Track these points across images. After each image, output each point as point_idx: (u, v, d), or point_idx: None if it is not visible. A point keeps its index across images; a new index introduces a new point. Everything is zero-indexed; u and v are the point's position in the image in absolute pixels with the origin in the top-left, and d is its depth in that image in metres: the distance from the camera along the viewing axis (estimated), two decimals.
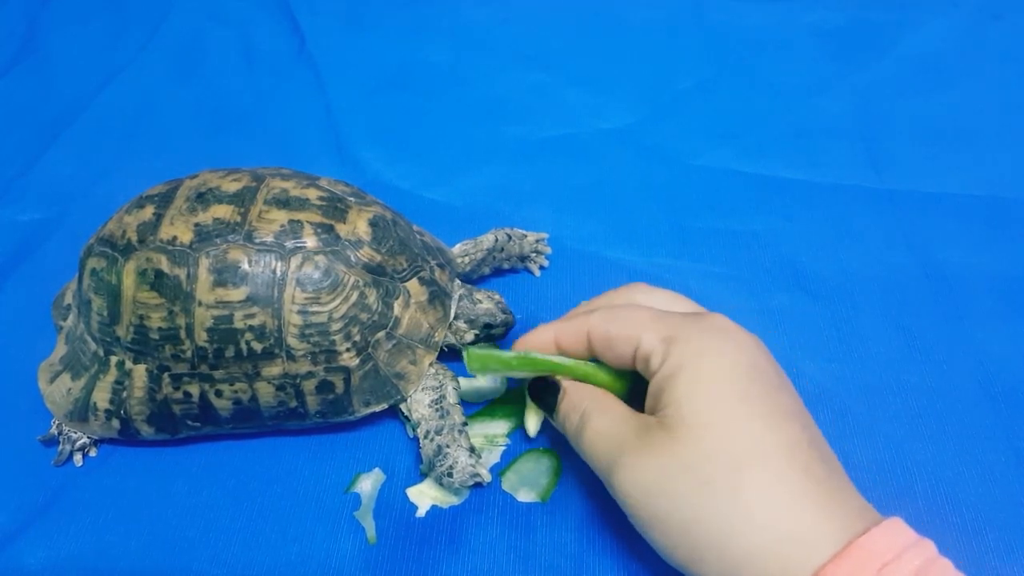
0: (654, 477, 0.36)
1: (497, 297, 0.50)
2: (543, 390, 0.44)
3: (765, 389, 0.37)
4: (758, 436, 0.35)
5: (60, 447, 0.48)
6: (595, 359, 0.43)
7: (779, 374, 0.39)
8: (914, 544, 0.33)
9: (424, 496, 0.46)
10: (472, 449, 0.45)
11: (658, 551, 0.37)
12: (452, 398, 0.46)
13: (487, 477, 0.44)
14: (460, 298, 0.50)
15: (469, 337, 0.50)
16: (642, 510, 0.36)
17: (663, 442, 0.36)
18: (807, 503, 0.34)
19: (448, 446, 0.44)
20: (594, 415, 0.40)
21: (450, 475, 0.44)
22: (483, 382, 0.51)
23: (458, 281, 0.51)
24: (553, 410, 0.43)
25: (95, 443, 0.49)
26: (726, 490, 0.34)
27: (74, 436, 0.48)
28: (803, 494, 0.34)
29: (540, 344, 0.44)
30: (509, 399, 0.50)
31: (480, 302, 0.50)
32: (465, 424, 0.46)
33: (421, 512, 0.45)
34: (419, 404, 0.46)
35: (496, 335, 0.51)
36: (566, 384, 0.43)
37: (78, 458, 0.48)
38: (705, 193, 0.65)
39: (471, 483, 0.44)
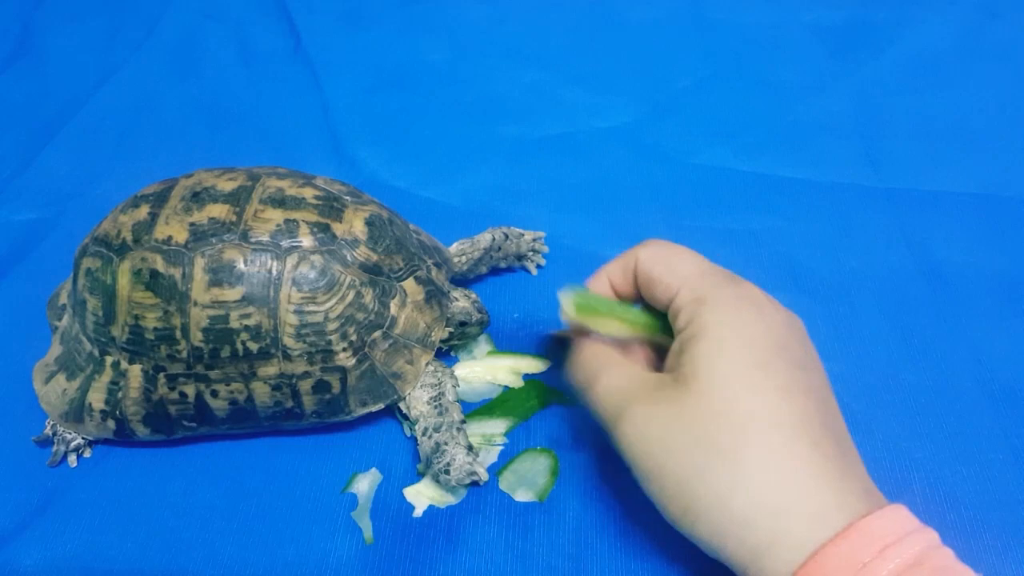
0: (658, 429, 0.36)
1: (473, 296, 0.50)
2: (558, 344, 0.43)
3: (786, 364, 0.36)
4: (770, 404, 0.34)
5: (54, 448, 0.48)
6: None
7: (808, 354, 0.38)
8: (917, 530, 0.32)
9: (421, 496, 0.46)
10: (470, 447, 0.45)
11: (655, 503, 0.37)
12: (451, 396, 0.46)
13: (484, 476, 0.44)
14: None
15: (443, 335, 0.49)
16: (644, 460, 0.36)
17: (673, 397, 0.36)
18: (811, 477, 0.33)
19: (446, 443, 0.44)
20: (604, 370, 0.40)
21: (447, 472, 0.44)
22: (482, 383, 0.51)
23: (447, 281, 0.51)
24: (562, 364, 0.43)
25: (89, 444, 0.48)
26: (728, 451, 0.34)
27: (68, 437, 0.48)
28: (808, 468, 0.33)
29: (598, 288, 0.44)
30: (507, 398, 0.50)
31: (456, 300, 0.50)
32: (463, 422, 0.46)
33: (418, 512, 0.45)
34: (417, 401, 0.46)
35: (470, 334, 0.51)
36: (580, 340, 0.43)
37: (72, 459, 0.48)
38: (703, 192, 0.65)
39: (468, 481, 0.44)
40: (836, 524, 0.32)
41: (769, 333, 0.37)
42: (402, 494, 0.46)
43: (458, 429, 0.45)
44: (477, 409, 0.50)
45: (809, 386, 0.36)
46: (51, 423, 0.48)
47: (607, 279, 0.44)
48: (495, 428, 0.49)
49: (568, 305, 0.42)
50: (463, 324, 0.50)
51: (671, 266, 0.41)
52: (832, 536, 0.32)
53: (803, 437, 0.34)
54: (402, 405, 0.47)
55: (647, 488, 0.37)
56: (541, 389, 0.50)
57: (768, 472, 0.33)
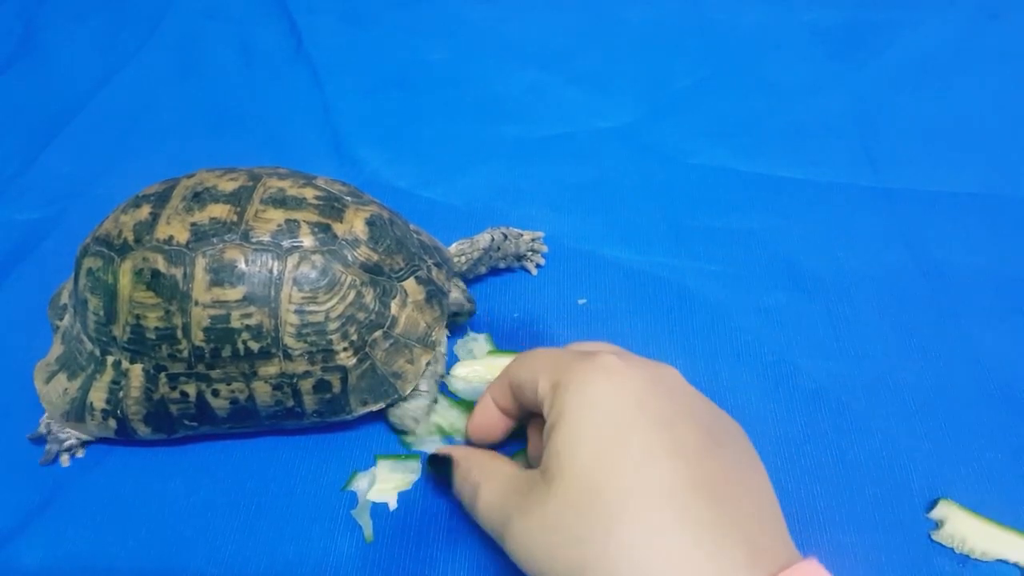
0: (537, 537, 0.34)
1: (463, 286, 0.52)
2: (439, 464, 0.43)
3: (644, 429, 0.34)
4: (631, 480, 0.33)
5: (47, 447, 0.48)
6: None
7: (676, 406, 0.36)
8: None
9: (383, 492, 0.46)
10: (435, 400, 0.48)
11: None
12: (440, 367, 0.49)
13: (415, 436, 0.47)
14: None
15: (444, 335, 0.50)
16: (532, 571, 0.34)
17: (543, 498, 0.34)
18: (683, 554, 0.31)
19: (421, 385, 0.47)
20: (483, 485, 0.39)
21: (398, 405, 0.47)
22: (482, 383, 0.51)
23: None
24: (450, 484, 0.42)
25: (83, 444, 0.48)
26: (600, 543, 0.32)
27: (62, 436, 0.47)
28: (679, 544, 0.31)
29: (487, 416, 0.44)
30: None
31: (449, 291, 0.50)
32: (443, 377, 0.49)
33: (393, 505, 0.45)
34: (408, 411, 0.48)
35: (459, 322, 0.52)
36: (457, 456, 0.42)
37: (65, 459, 0.48)
38: (702, 191, 0.65)
39: (402, 424, 0.47)
40: None
41: (623, 400, 0.35)
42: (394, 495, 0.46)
43: (436, 381, 0.47)
44: (466, 401, 0.50)
45: (675, 443, 0.34)
46: (45, 421, 0.48)
47: (491, 402, 0.44)
48: (463, 426, 0.48)
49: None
50: (454, 315, 0.51)
51: (529, 364, 0.40)
52: None
53: (674, 507, 0.32)
54: (393, 419, 0.47)
55: None
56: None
57: (644, 555, 0.31)
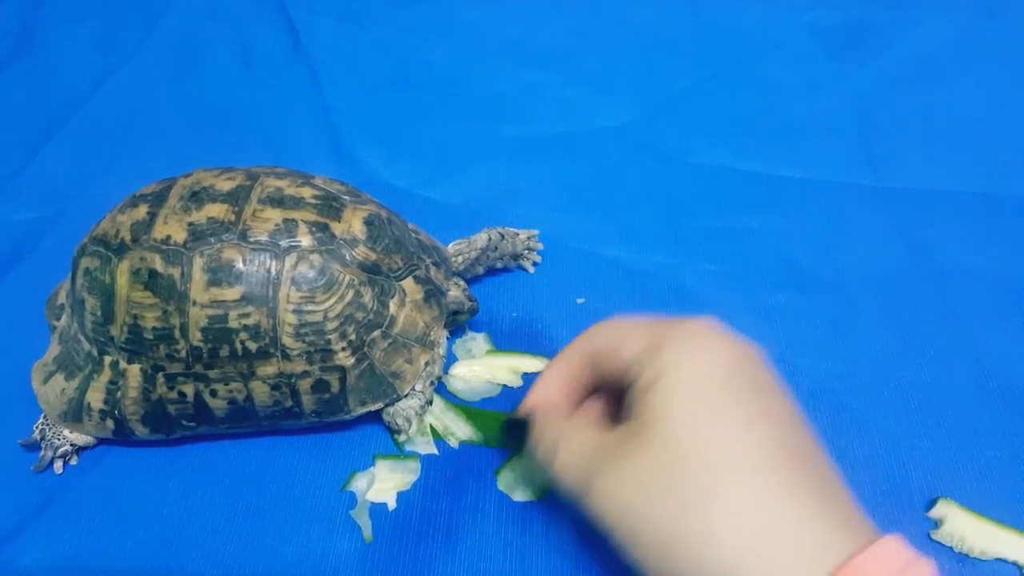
0: (625, 494, 0.34)
1: (463, 284, 0.51)
2: (515, 426, 0.42)
3: (746, 393, 0.35)
4: (734, 438, 0.33)
5: (42, 453, 0.47)
6: None
7: (767, 378, 0.37)
8: (912, 563, 0.30)
9: (382, 492, 0.46)
10: (430, 402, 0.48)
11: (640, 571, 0.34)
12: (437, 369, 0.49)
13: (408, 435, 0.47)
14: None
15: (443, 334, 0.50)
16: (617, 529, 0.34)
17: (633, 451, 0.35)
18: (790, 518, 0.31)
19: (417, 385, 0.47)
20: (561, 443, 0.38)
21: (396, 401, 0.47)
22: (482, 382, 0.51)
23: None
24: (524, 445, 0.42)
25: (77, 451, 0.48)
26: (698, 499, 0.32)
27: (57, 443, 0.47)
28: (785, 507, 0.32)
29: (550, 391, 0.42)
30: (490, 425, 0.49)
31: (449, 290, 0.50)
32: (438, 378, 0.49)
33: (392, 505, 0.45)
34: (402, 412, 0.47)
35: (460, 320, 0.52)
36: (537, 412, 0.41)
37: (58, 465, 0.47)
38: (702, 191, 0.65)
39: (397, 423, 0.47)
40: (824, 567, 0.30)
41: (723, 364, 0.36)
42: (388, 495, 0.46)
43: (431, 383, 0.47)
44: (463, 404, 0.50)
45: (771, 411, 0.35)
46: (39, 427, 0.48)
47: (555, 377, 0.42)
48: (458, 430, 0.49)
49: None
50: (455, 313, 0.51)
51: (614, 330, 0.40)
52: None
53: (774, 471, 0.32)
54: (386, 417, 0.47)
55: (629, 556, 0.35)
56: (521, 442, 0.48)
57: (742, 517, 0.31)
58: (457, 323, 0.52)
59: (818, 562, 0.30)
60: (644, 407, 0.35)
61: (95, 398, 0.46)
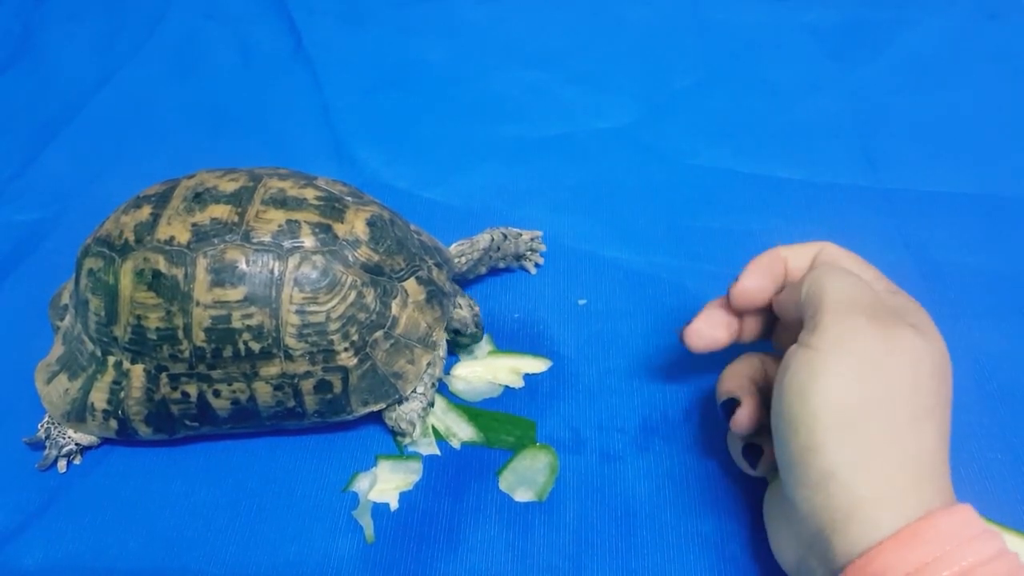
0: (805, 377, 0.36)
1: (476, 309, 0.51)
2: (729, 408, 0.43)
3: (912, 334, 0.38)
4: (901, 371, 0.36)
5: (46, 452, 0.47)
6: None
7: (945, 373, 0.38)
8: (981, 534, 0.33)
9: (384, 492, 0.46)
10: (432, 403, 0.48)
11: (778, 435, 0.37)
12: (438, 370, 0.49)
13: (413, 437, 0.47)
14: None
15: (444, 336, 0.50)
16: (792, 406, 0.36)
17: (818, 347, 0.37)
18: (924, 460, 0.34)
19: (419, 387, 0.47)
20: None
21: (397, 405, 0.47)
22: (482, 383, 0.51)
23: (450, 282, 0.51)
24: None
25: (81, 450, 0.48)
26: (858, 413, 0.35)
27: (61, 442, 0.47)
28: (923, 449, 0.35)
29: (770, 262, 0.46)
30: (492, 426, 0.49)
31: (459, 308, 0.50)
32: (442, 378, 0.50)
33: (394, 505, 0.45)
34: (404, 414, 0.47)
35: (460, 342, 0.52)
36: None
37: (62, 464, 0.47)
38: (702, 192, 0.65)
39: (401, 426, 0.47)
40: (914, 514, 0.33)
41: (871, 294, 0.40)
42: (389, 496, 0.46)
43: (433, 384, 0.47)
44: (464, 405, 0.50)
45: (931, 371, 0.37)
46: (44, 426, 0.48)
47: (782, 263, 0.46)
48: (460, 431, 0.49)
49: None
50: (457, 332, 0.50)
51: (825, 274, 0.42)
52: (893, 533, 0.32)
53: (927, 414, 0.35)
54: (389, 421, 0.47)
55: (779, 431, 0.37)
56: (527, 438, 0.49)
57: (887, 446, 0.34)
58: (457, 344, 0.52)
59: (922, 504, 0.33)
60: (816, 295, 0.39)
61: (99, 398, 0.46)
